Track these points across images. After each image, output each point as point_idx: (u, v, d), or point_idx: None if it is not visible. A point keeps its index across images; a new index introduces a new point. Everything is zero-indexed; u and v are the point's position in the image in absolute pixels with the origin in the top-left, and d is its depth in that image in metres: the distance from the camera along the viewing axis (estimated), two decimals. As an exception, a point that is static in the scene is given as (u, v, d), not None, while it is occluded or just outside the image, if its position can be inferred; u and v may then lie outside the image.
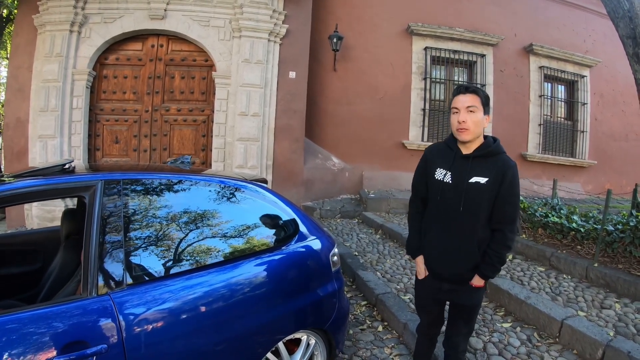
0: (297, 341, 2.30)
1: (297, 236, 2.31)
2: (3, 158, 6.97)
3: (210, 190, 2.14)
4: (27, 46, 6.50)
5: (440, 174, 1.91)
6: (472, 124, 1.80)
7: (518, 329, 2.96)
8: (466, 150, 1.88)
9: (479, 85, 7.91)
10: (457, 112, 1.84)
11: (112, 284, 1.64)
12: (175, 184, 2.07)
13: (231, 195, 2.20)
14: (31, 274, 2.82)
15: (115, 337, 1.54)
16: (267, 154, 6.66)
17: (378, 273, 4.19)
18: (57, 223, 5.90)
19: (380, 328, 3.23)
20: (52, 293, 2.28)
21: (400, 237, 5.24)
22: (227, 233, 2.07)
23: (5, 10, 8.00)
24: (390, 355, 2.84)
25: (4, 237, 3.25)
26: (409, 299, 3.54)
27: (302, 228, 2.36)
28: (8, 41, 8.26)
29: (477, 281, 1.91)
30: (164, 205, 1.96)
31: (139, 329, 1.61)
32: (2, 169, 7.78)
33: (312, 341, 2.34)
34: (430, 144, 7.63)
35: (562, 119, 8.86)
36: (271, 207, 2.32)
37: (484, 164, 1.83)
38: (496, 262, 1.85)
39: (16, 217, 6.35)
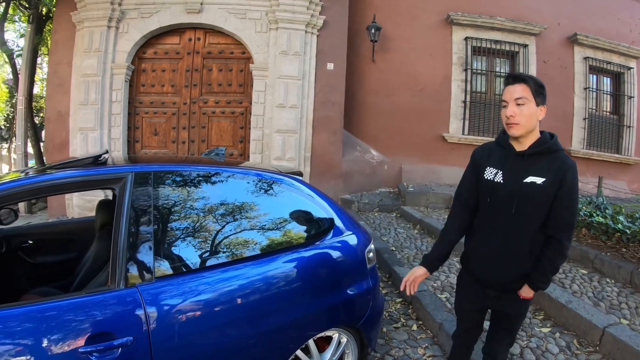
0: (328, 339, 2.23)
1: (332, 231, 2.24)
2: (45, 150, 7.11)
3: (242, 183, 2.09)
4: (66, 42, 6.63)
5: (491, 173, 1.73)
6: (522, 117, 1.60)
7: (557, 334, 2.79)
8: (520, 146, 1.69)
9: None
10: (505, 106, 1.65)
11: (141, 276, 1.63)
12: (208, 176, 2.04)
13: (264, 189, 2.15)
14: (67, 263, 2.86)
15: (142, 329, 1.54)
16: (305, 146, 6.58)
17: None
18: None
19: (414, 327, 3.13)
20: (84, 283, 2.27)
21: (439, 233, 5.03)
22: (259, 227, 2.02)
23: (44, 9, 8.17)
24: (424, 356, 2.74)
25: (42, 227, 3.33)
26: (445, 297, 3.41)
27: (338, 223, 2.29)
28: (48, 38, 8.43)
29: (526, 292, 1.75)
30: (194, 198, 1.93)
31: (165, 322, 1.61)
32: (45, 160, 7.95)
33: (344, 339, 2.27)
34: (471, 137, 7.54)
35: (608, 113, 8.46)
36: (306, 201, 2.25)
37: (541, 163, 1.64)
38: (549, 271, 1.69)
39: (57, 206, 6.47)
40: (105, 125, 6.40)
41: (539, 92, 1.61)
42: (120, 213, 1.69)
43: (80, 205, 6.27)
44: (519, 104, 1.61)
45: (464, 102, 7.59)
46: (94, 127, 6.33)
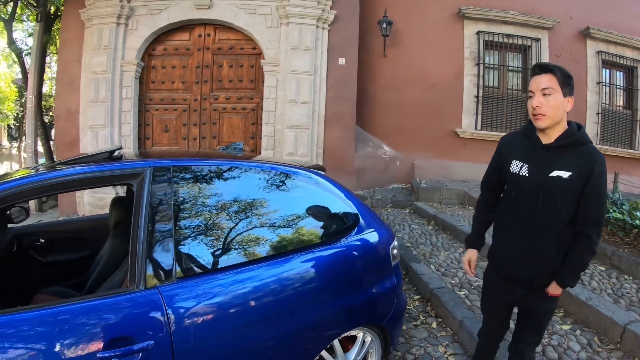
0: (353, 338, 2.17)
1: (356, 228, 2.17)
2: (55, 148, 7.09)
3: (264, 178, 2.01)
4: (75, 40, 6.60)
5: (516, 166, 1.71)
6: (548, 108, 1.56)
7: (578, 331, 2.75)
8: (546, 139, 1.65)
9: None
10: (532, 96, 1.62)
11: (161, 276, 1.55)
12: (228, 171, 1.95)
13: (287, 184, 2.07)
14: (79, 261, 2.81)
15: (163, 332, 1.47)
16: (317, 141, 6.53)
17: (432, 266, 4.00)
18: (108, 210, 5.96)
19: (434, 325, 3.09)
20: (99, 282, 2.22)
21: (454, 229, 5.02)
22: (282, 224, 1.94)
23: (52, 7, 8.16)
24: (445, 355, 2.69)
25: (54, 225, 3.28)
26: (464, 294, 3.36)
27: (362, 219, 2.22)
28: (56, 37, 8.43)
29: (554, 289, 1.71)
30: (215, 194, 1.85)
31: (188, 325, 1.53)
32: (55, 159, 7.93)
33: (368, 339, 2.21)
34: (484, 132, 7.47)
35: (621, 108, 8.35)
36: (330, 197, 2.18)
37: (567, 156, 1.60)
38: (577, 268, 1.66)
39: (68, 204, 6.43)
40: (115, 123, 6.37)
41: (566, 82, 1.57)
42: (138, 210, 1.61)
43: (91, 202, 6.23)
44: (545, 95, 1.57)
45: (477, 96, 7.52)
46: (104, 124, 6.30)
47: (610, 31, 7.90)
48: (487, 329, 2.06)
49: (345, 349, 2.14)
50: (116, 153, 1.91)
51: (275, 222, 1.92)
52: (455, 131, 7.46)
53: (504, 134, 7.17)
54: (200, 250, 1.71)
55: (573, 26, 7.88)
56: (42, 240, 2.77)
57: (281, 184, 2.05)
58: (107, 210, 5.85)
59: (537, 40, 7.64)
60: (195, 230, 1.73)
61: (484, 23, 7.52)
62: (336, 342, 2.03)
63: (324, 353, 1.99)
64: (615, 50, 8.06)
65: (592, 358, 2.48)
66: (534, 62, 7.50)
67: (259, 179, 2.00)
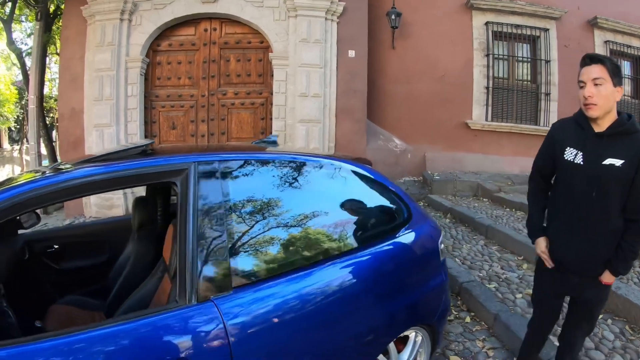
0: (405, 339, 2.09)
1: (409, 223, 2.08)
2: (59, 148, 6.95)
3: (317, 173, 1.87)
4: (77, 37, 6.44)
5: (571, 154, 1.72)
6: (599, 98, 1.59)
7: (609, 321, 2.76)
8: (598, 127, 1.67)
9: (543, 61, 7.54)
10: (583, 86, 1.64)
11: (216, 287, 1.39)
12: (281, 165, 1.79)
13: (341, 180, 1.95)
14: (98, 267, 2.66)
15: (222, 349, 1.32)
16: (329, 135, 6.41)
17: (457, 259, 3.94)
18: (116, 211, 5.77)
19: (467, 319, 3.04)
20: (125, 289, 2.11)
21: (472, 221, 4.95)
22: (340, 223, 1.84)
23: (52, 6, 8.05)
24: (483, 349, 2.66)
25: (68, 229, 3.21)
26: (494, 287, 3.31)
27: (413, 215, 2.13)
28: (56, 37, 8.31)
29: (607, 278, 1.72)
30: (269, 191, 1.68)
31: (249, 338, 1.38)
32: (59, 159, 7.77)
33: (419, 338, 2.15)
34: (494, 123, 7.41)
35: (629, 98, 8.31)
36: (382, 192, 2.10)
37: (619, 144, 1.63)
38: (629, 256, 1.68)
39: (74, 206, 6.27)
40: (121, 121, 6.21)
41: (615, 72, 1.60)
42: (185, 213, 1.42)
43: (98, 203, 6.09)
44: (596, 85, 1.59)
45: (487, 87, 7.46)
46: (110, 122, 6.13)
47: (617, 21, 7.88)
48: (537, 319, 2.05)
49: (397, 349, 2.07)
50: (148, 149, 1.72)
51: (330, 221, 1.80)
52: (465, 123, 7.39)
53: (515, 124, 7.22)
54: (257, 255, 1.56)
55: (581, 16, 7.84)
56: (56, 246, 2.61)
57: (335, 179, 1.93)
58: (114, 212, 5.74)
59: (546, 30, 7.59)
60: (250, 232, 1.55)
61: (492, 13, 7.47)
62: (391, 344, 1.96)
63: (379, 355, 1.93)
64: (622, 39, 8.04)
65: (627, 346, 2.46)
66: (543, 53, 7.53)
67: (313, 173, 1.87)
